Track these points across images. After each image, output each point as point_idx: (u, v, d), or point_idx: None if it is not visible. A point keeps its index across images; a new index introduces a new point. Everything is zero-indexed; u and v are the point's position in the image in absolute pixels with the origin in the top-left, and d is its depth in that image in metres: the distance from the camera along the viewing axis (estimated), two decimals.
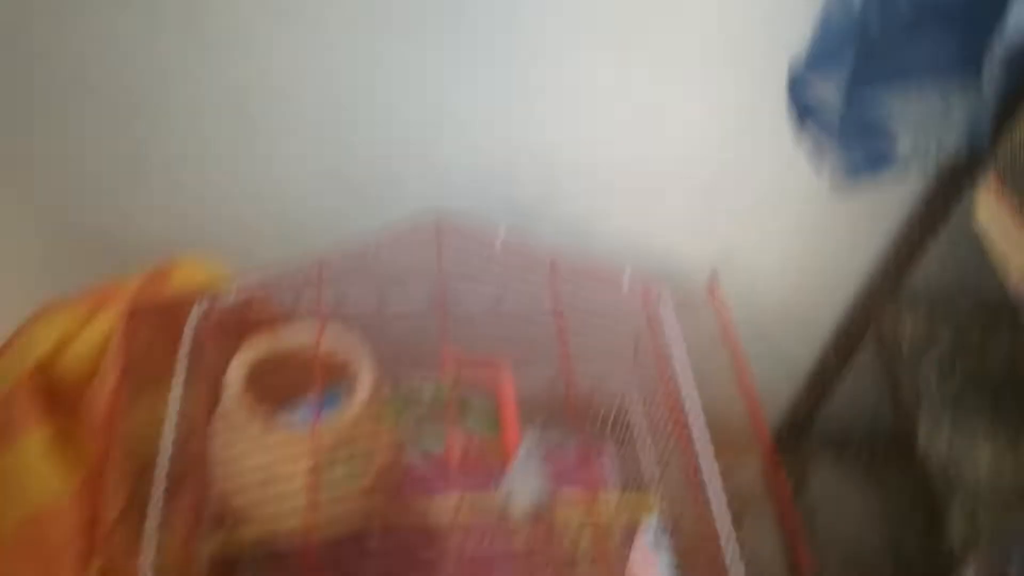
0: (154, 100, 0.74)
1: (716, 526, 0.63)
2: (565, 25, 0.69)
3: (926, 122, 0.62)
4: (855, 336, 0.93)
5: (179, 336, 0.71)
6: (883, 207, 0.79)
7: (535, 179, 0.80)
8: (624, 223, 0.83)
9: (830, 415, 1.03)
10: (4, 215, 0.84)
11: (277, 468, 0.64)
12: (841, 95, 0.60)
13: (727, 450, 1.10)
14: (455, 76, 0.72)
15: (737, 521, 1.15)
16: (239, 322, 0.73)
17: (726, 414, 0.71)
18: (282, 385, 0.69)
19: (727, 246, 0.85)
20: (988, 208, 0.63)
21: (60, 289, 0.72)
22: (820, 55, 0.60)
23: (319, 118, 0.75)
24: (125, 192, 0.81)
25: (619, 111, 0.76)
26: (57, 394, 0.71)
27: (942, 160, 0.66)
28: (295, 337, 0.71)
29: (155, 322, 0.71)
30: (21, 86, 0.74)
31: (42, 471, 0.68)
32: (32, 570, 0.67)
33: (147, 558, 0.61)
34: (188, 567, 0.66)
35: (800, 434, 1.08)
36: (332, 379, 0.70)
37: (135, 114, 0.75)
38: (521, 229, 0.72)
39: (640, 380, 0.83)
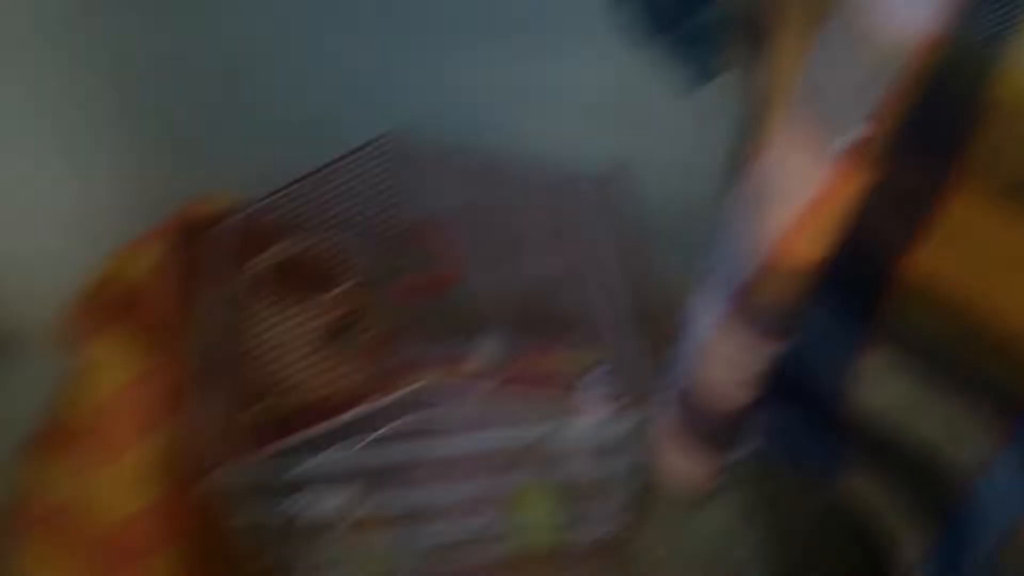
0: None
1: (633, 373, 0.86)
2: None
3: None
4: None
5: (212, 249, 0.92)
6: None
7: (460, 117, 1.01)
8: (538, 141, 1.02)
9: None
10: None
11: (287, 343, 0.84)
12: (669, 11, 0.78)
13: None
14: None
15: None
16: (254, 236, 0.94)
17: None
18: (291, 281, 0.89)
19: (621, 152, 1.04)
20: None
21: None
22: None
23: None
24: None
25: (521, 55, 0.96)
26: (122, 304, 0.92)
27: None
28: (295, 243, 0.93)
29: (191, 239, 0.93)
30: None
31: (116, 360, 0.88)
32: (110, 438, 0.88)
33: (196, 430, 0.81)
34: (232, 436, 0.82)
35: None
36: (327, 272, 0.90)
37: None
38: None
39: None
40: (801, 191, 0.45)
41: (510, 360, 0.97)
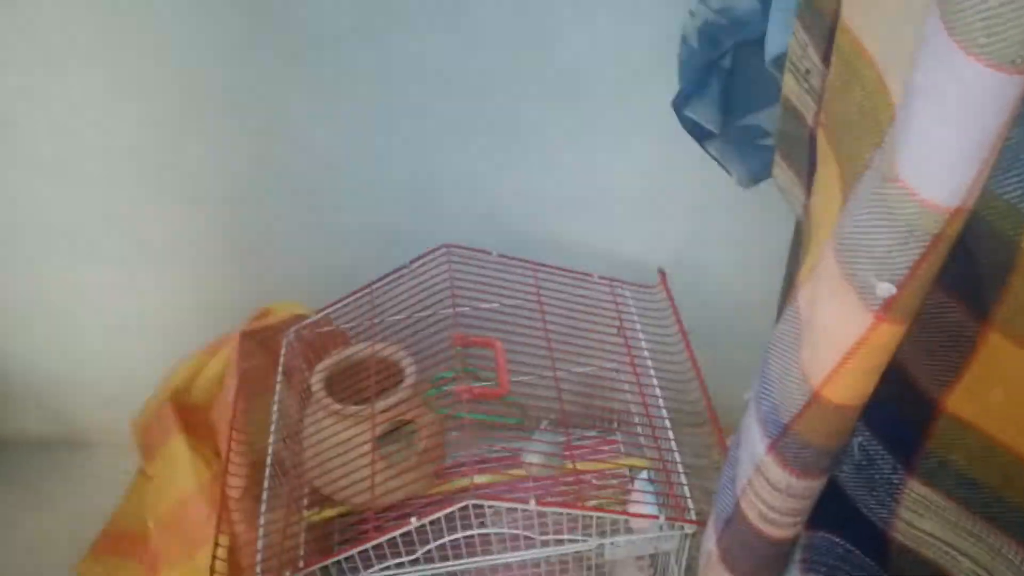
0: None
1: (679, 486, 0.88)
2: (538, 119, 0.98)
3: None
4: None
5: (277, 356, 0.97)
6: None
7: (520, 218, 1.07)
8: (594, 241, 1.09)
9: None
10: None
11: (347, 448, 0.86)
12: (717, 118, 0.82)
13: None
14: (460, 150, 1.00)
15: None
16: (318, 342, 0.99)
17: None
18: (352, 386, 0.93)
19: (676, 249, 1.10)
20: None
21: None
22: (689, 91, 0.82)
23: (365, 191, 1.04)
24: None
25: (582, 163, 1.02)
26: (191, 411, 0.97)
27: None
28: (357, 350, 0.97)
29: (259, 347, 0.98)
30: None
31: (185, 466, 0.93)
32: (179, 541, 0.91)
33: (259, 530, 0.83)
34: (290, 537, 0.85)
35: None
36: (386, 378, 0.94)
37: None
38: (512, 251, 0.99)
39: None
40: (840, 335, 0.47)
41: (558, 464, 0.99)
